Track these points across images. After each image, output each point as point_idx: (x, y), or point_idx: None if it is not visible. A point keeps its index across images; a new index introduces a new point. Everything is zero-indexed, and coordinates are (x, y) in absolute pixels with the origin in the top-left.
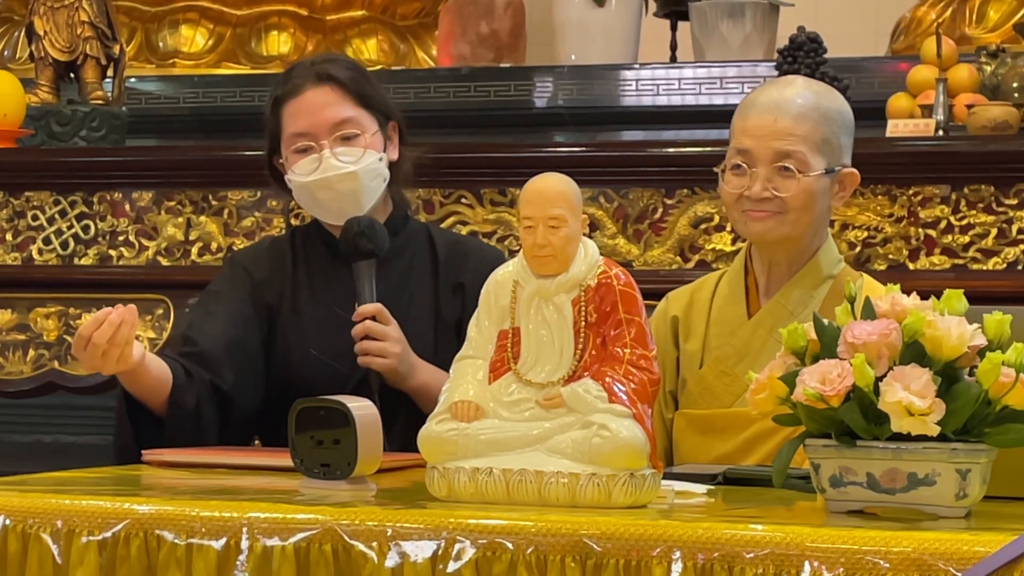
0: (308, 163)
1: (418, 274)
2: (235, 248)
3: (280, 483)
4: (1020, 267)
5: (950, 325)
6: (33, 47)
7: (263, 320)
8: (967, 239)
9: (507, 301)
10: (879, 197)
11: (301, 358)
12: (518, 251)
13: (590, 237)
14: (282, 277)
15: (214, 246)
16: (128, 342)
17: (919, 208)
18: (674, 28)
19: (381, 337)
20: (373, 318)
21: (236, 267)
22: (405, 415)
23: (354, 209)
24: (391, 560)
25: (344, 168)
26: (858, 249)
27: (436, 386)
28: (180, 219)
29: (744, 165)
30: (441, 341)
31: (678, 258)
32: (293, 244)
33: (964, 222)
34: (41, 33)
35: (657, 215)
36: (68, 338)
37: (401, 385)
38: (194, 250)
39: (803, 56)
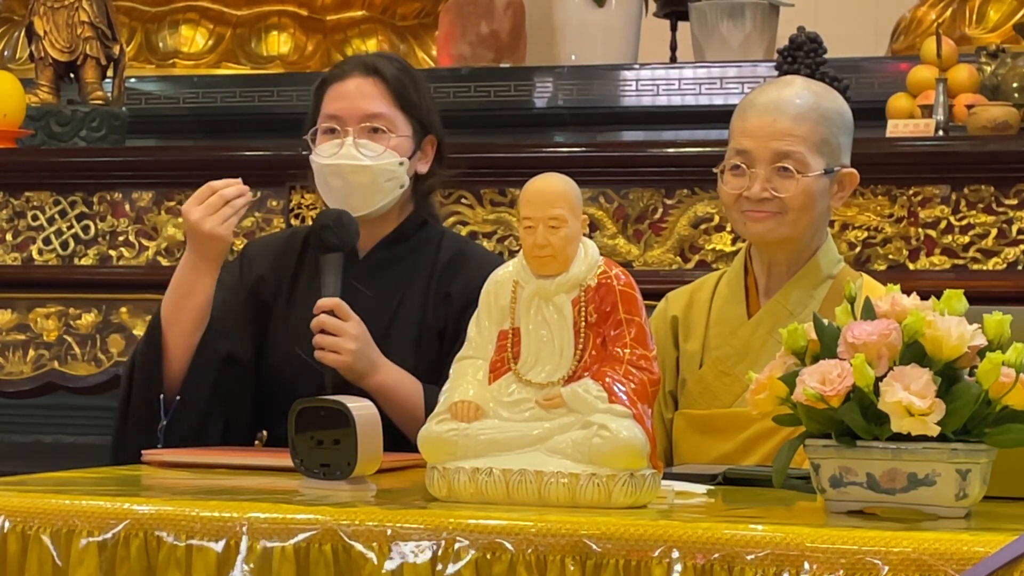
0: (331, 146)
1: (414, 281)
2: (235, 249)
3: (280, 483)
4: (1020, 267)
5: (950, 325)
6: (33, 47)
7: (255, 316)
8: (967, 239)
9: (507, 301)
10: (879, 197)
11: (285, 356)
12: (518, 251)
13: (590, 237)
14: (284, 272)
15: None
16: (238, 214)
17: (919, 208)
18: (674, 28)
19: (336, 332)
20: (332, 313)
21: (245, 257)
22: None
23: (361, 204)
24: (391, 561)
25: (359, 160)
26: (858, 249)
27: (397, 388)
28: (180, 219)
29: (743, 166)
30: (423, 349)
31: (678, 258)
32: (308, 237)
33: (964, 222)
34: (41, 33)
35: (657, 215)
36: (68, 338)
37: (360, 383)
38: None
39: (803, 56)
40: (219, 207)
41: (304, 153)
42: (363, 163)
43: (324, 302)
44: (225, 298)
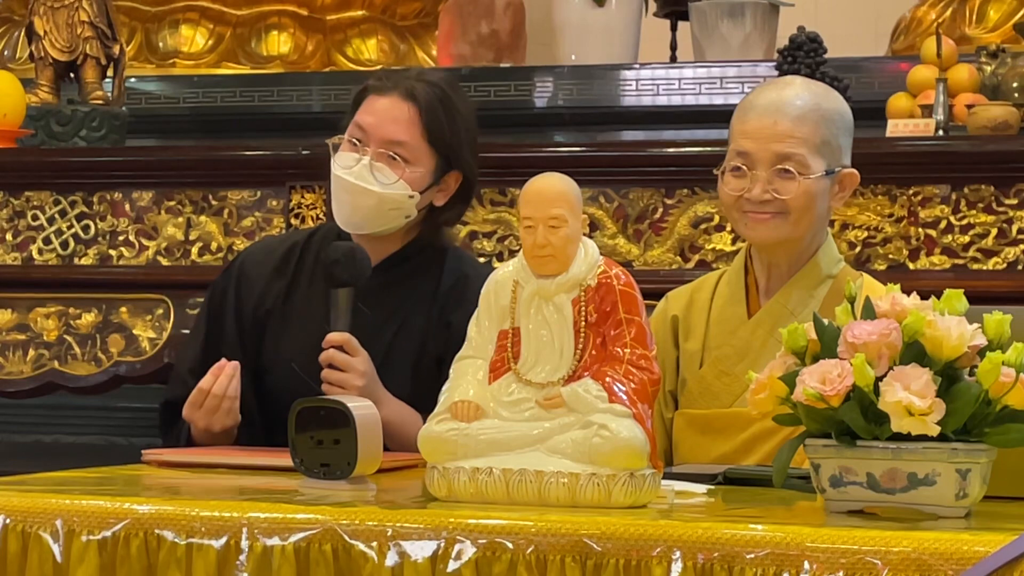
0: (349, 158)
1: (414, 305)
2: (235, 248)
3: (280, 483)
4: (1020, 267)
5: (950, 325)
6: (33, 47)
7: (251, 333)
8: (967, 239)
9: (507, 301)
10: (879, 197)
11: (281, 371)
12: (518, 251)
13: (590, 237)
14: (284, 280)
15: (214, 246)
16: (237, 395)
17: (919, 208)
18: (674, 28)
19: (344, 368)
20: (342, 348)
21: (243, 277)
22: None
23: (361, 224)
24: (391, 560)
25: (369, 184)
26: (858, 249)
27: (398, 423)
28: (180, 219)
29: (744, 167)
30: (422, 375)
31: (678, 258)
32: (308, 243)
33: (964, 222)
34: (41, 33)
35: (657, 215)
36: (68, 338)
37: None
38: (194, 250)
39: (803, 56)
40: (217, 408)
41: (304, 153)
42: (371, 188)
43: (333, 337)
44: (223, 332)
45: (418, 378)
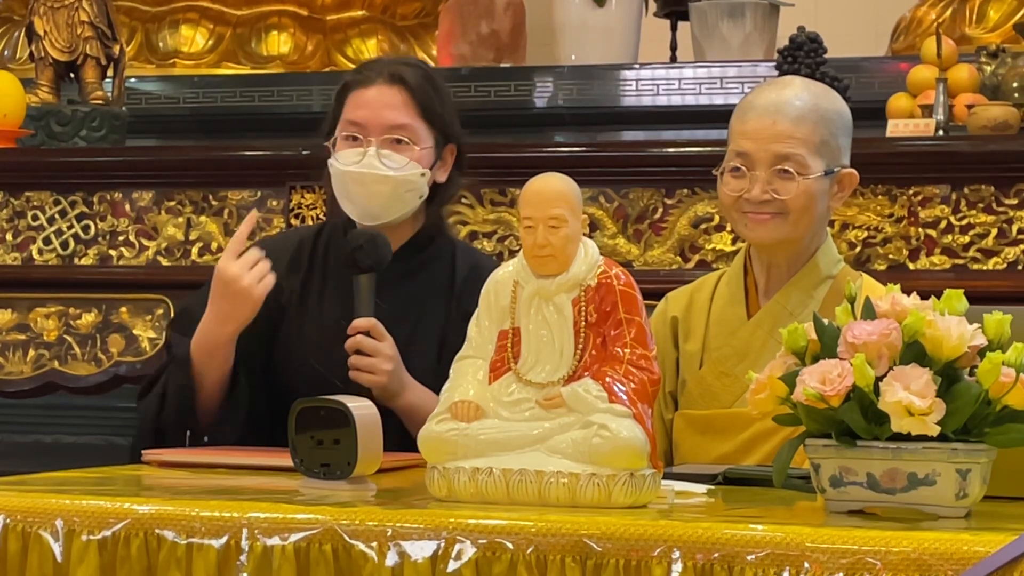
0: (353, 154)
1: (431, 297)
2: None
3: (280, 483)
4: (1020, 267)
5: (950, 325)
6: (33, 47)
7: (267, 323)
8: (967, 239)
9: (507, 301)
10: (879, 197)
11: (296, 367)
12: (518, 251)
13: (590, 237)
14: (297, 276)
15: (214, 246)
16: (268, 281)
17: (919, 208)
18: (674, 28)
19: (372, 353)
20: (368, 333)
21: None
22: (397, 422)
23: (380, 213)
24: (391, 560)
25: (383, 171)
26: (858, 249)
27: (424, 408)
28: (180, 219)
29: (743, 168)
30: (444, 366)
31: (678, 258)
32: (317, 240)
33: (964, 222)
34: (41, 33)
35: (657, 215)
36: (68, 338)
37: (390, 403)
38: (194, 250)
39: (803, 56)
40: (254, 263)
41: (304, 153)
42: (386, 173)
43: (359, 323)
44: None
45: (440, 370)
